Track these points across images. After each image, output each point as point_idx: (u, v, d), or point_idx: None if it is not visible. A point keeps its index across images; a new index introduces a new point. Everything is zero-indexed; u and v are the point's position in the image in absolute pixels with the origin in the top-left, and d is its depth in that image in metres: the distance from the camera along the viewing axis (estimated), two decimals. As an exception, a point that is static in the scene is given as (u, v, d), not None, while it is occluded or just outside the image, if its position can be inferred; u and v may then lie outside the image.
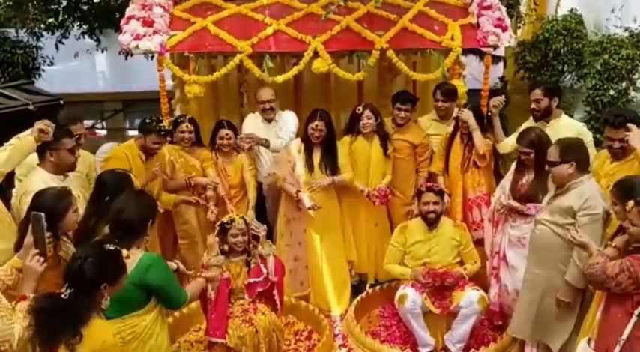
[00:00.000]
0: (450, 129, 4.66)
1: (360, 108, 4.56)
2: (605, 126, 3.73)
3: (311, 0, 5.01)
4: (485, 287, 4.14)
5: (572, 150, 3.33)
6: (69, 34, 7.10)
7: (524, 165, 3.92)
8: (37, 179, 3.38)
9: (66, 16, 6.92)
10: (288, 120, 4.84)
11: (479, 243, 4.26)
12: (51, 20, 6.87)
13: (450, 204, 4.48)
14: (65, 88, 7.74)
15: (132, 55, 4.82)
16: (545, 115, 4.25)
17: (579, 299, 3.34)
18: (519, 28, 6.88)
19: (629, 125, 3.50)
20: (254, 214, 4.52)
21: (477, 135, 4.32)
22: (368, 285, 4.76)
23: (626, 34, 5.55)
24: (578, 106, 5.91)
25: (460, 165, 4.46)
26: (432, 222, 4.11)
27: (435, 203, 4.09)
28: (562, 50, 6.03)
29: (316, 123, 4.28)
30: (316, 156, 4.41)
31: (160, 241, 4.30)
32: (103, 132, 9.31)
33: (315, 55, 4.70)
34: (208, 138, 4.73)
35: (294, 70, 4.77)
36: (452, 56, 4.84)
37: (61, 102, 6.29)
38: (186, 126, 4.48)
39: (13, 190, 3.67)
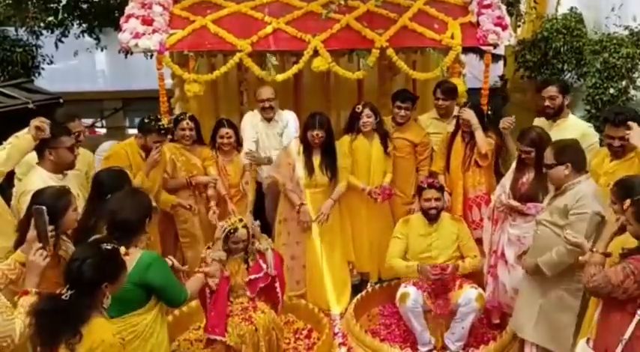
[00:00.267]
0: (450, 127, 4.66)
1: (360, 107, 4.56)
2: (605, 124, 3.73)
3: (310, -2, 5.02)
4: (483, 286, 4.14)
5: (567, 152, 3.33)
6: (68, 32, 7.10)
7: (524, 164, 3.92)
8: (35, 178, 3.37)
9: (65, 15, 6.92)
10: (290, 125, 4.81)
11: (478, 242, 4.25)
12: (50, 19, 6.86)
13: (451, 203, 4.48)
14: (65, 86, 7.74)
15: (131, 53, 4.82)
16: (558, 113, 4.22)
17: (577, 303, 3.33)
18: (519, 26, 6.88)
19: (630, 123, 3.49)
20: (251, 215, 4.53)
21: (479, 134, 4.31)
22: (370, 284, 4.76)
23: (626, 32, 5.55)
24: (578, 105, 5.91)
25: (461, 164, 4.45)
26: (432, 218, 4.12)
27: (437, 199, 4.10)
28: (562, 49, 6.03)
29: (316, 132, 4.26)
30: (316, 159, 4.40)
31: (160, 240, 4.31)
32: (103, 130, 9.30)
33: (315, 53, 4.69)
34: (208, 136, 4.73)
35: (294, 69, 4.77)
36: (452, 55, 4.84)
37: (61, 100, 6.30)
38: (187, 124, 4.47)
39: (14, 190, 3.66)
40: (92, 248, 2.36)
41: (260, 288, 3.74)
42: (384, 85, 5.62)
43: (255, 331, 3.57)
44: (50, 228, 2.62)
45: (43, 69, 7.30)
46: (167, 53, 4.66)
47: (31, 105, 5.79)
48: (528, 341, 3.72)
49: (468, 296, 3.89)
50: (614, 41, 5.45)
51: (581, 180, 3.29)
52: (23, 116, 5.50)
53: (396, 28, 4.86)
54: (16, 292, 2.55)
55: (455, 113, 4.72)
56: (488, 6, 5.01)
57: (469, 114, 4.33)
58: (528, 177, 3.90)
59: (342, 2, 4.59)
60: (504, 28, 4.93)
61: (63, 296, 2.20)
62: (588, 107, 5.53)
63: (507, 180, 4.04)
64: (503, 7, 5.15)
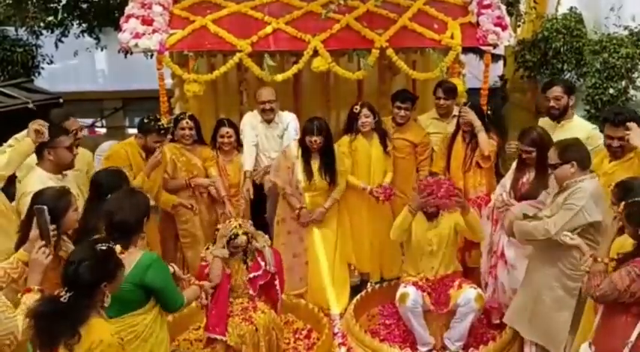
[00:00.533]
0: (450, 127, 4.66)
1: (358, 107, 4.55)
2: (604, 124, 3.73)
3: (310, -2, 5.02)
4: (481, 286, 4.14)
5: (572, 150, 3.32)
6: (68, 32, 7.10)
7: (525, 163, 3.92)
8: (35, 179, 3.38)
9: (65, 15, 6.92)
10: (290, 127, 4.80)
11: (475, 243, 4.25)
12: (50, 18, 6.86)
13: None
14: (65, 86, 7.76)
15: (131, 53, 4.82)
16: (563, 114, 4.20)
17: (574, 302, 3.34)
18: (519, 26, 6.87)
19: (630, 124, 3.49)
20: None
21: (482, 136, 4.30)
22: (371, 284, 4.75)
23: (626, 32, 5.55)
24: (577, 105, 5.90)
25: (462, 164, 4.45)
26: (432, 216, 4.08)
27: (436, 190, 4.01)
28: (562, 49, 6.03)
29: (314, 138, 4.25)
30: (315, 163, 4.38)
31: (161, 240, 4.31)
32: (103, 130, 9.30)
33: (315, 53, 4.69)
34: (208, 136, 4.72)
35: (294, 69, 4.77)
36: (451, 55, 4.85)
37: (61, 100, 6.31)
38: (187, 123, 4.47)
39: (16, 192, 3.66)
40: (87, 249, 2.35)
41: (260, 286, 3.75)
42: (383, 85, 5.62)
43: (256, 331, 3.58)
44: (52, 227, 2.63)
45: (43, 69, 7.31)
46: (167, 53, 4.66)
47: (30, 105, 5.80)
48: (528, 341, 3.73)
49: (467, 296, 3.88)
50: (614, 41, 5.45)
51: (585, 179, 3.28)
52: (23, 116, 5.53)
53: (396, 28, 4.86)
54: (18, 291, 2.56)
55: (455, 113, 4.72)
56: (488, 6, 5.01)
57: (472, 116, 4.33)
58: (529, 177, 3.90)
59: (342, 2, 4.59)
60: (504, 28, 4.94)
61: (61, 299, 2.20)
62: (588, 107, 5.53)
63: (508, 180, 4.05)
64: (503, 7, 5.15)
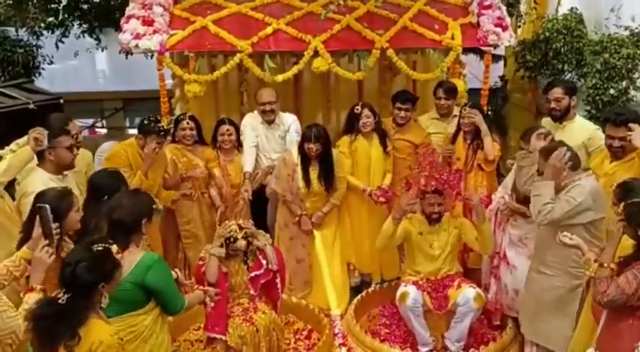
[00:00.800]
0: (451, 127, 4.65)
1: (359, 107, 4.55)
2: (606, 124, 3.72)
3: (311, -1, 5.02)
4: (484, 287, 4.14)
5: None
6: (69, 32, 7.09)
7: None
8: (36, 180, 3.39)
9: (66, 15, 6.91)
10: (291, 129, 4.80)
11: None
12: (51, 19, 6.85)
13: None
14: (65, 86, 7.73)
15: (132, 53, 4.82)
16: (564, 115, 4.20)
17: (577, 302, 3.33)
18: (519, 27, 6.86)
19: (632, 125, 3.49)
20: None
21: (487, 140, 4.30)
22: (373, 284, 4.76)
23: (627, 33, 5.54)
24: (578, 105, 5.89)
25: (463, 165, 4.45)
26: (435, 221, 4.08)
27: (439, 204, 4.03)
28: (562, 49, 6.02)
29: (312, 145, 4.25)
30: (313, 170, 4.38)
31: (162, 240, 4.31)
32: (103, 131, 9.30)
33: (315, 54, 4.70)
34: (209, 137, 4.73)
35: (294, 69, 4.78)
36: (452, 55, 4.85)
37: (61, 101, 6.30)
38: (187, 123, 4.47)
39: (16, 194, 3.66)
40: (84, 250, 2.35)
41: (262, 285, 3.75)
42: (384, 85, 5.62)
43: (256, 332, 3.58)
44: (55, 225, 2.64)
45: (43, 69, 7.30)
46: (167, 54, 4.66)
47: (31, 106, 5.79)
48: (528, 341, 3.73)
49: (466, 295, 3.88)
50: (615, 42, 5.44)
51: (582, 177, 3.29)
52: (24, 116, 5.53)
53: (397, 29, 4.86)
54: (19, 291, 2.57)
55: (455, 113, 4.72)
56: (489, 7, 5.02)
57: (479, 119, 4.32)
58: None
59: (342, 2, 4.58)
60: (505, 28, 4.94)
61: (59, 300, 2.20)
62: (588, 108, 5.52)
63: (510, 180, 4.04)
64: (504, 8, 5.16)
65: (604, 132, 3.85)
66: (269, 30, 4.76)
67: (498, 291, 4.09)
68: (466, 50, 5.16)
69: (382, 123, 4.67)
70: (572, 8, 6.35)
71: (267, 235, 3.91)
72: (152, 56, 4.86)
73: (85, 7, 6.97)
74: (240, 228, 3.71)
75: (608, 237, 2.77)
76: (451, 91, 4.75)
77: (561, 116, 4.21)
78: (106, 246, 2.39)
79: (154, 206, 2.93)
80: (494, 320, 4.25)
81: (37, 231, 2.63)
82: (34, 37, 6.94)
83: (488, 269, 4.18)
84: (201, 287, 3.30)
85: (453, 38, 4.86)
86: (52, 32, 6.98)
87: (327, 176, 4.36)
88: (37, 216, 2.64)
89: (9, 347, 2.40)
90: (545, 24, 6.26)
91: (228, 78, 5.38)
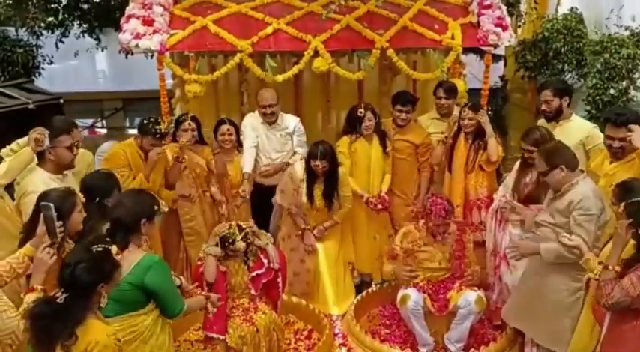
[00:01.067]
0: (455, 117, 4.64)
1: (362, 110, 4.52)
2: (605, 124, 3.73)
3: (311, -1, 5.01)
4: (486, 288, 4.14)
5: (557, 154, 3.34)
6: (69, 32, 7.09)
7: (528, 164, 3.90)
8: (37, 179, 3.38)
9: (66, 15, 6.91)
10: (296, 132, 4.82)
11: (477, 245, 4.23)
12: (51, 19, 6.85)
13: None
14: (65, 86, 7.73)
15: (132, 53, 4.81)
16: (556, 116, 4.21)
17: (579, 306, 3.32)
18: (519, 26, 6.87)
19: (632, 126, 3.48)
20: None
21: (492, 142, 4.30)
22: (374, 284, 4.76)
23: (627, 33, 5.55)
24: (578, 105, 5.90)
25: (464, 164, 4.44)
26: (438, 237, 4.03)
27: (445, 225, 3.99)
28: (562, 49, 6.03)
29: (318, 162, 4.24)
30: (319, 187, 4.36)
31: (163, 240, 4.30)
32: (103, 131, 9.30)
33: (316, 54, 4.69)
34: (209, 137, 4.72)
35: (295, 69, 4.77)
36: (452, 55, 4.85)
37: (61, 101, 6.30)
38: (189, 124, 4.46)
39: (15, 194, 3.66)
40: (83, 251, 2.35)
41: (263, 284, 3.75)
42: (384, 85, 5.62)
43: (256, 332, 3.58)
44: (59, 223, 2.64)
45: (43, 69, 7.30)
46: (167, 54, 4.66)
47: (31, 106, 5.79)
48: (529, 341, 3.73)
49: (467, 298, 3.88)
50: (615, 42, 5.45)
51: (579, 180, 3.29)
52: (24, 116, 5.53)
53: (397, 29, 4.86)
54: (19, 291, 2.57)
55: (455, 113, 4.71)
56: (489, 6, 5.01)
57: (485, 120, 4.32)
58: (531, 177, 3.89)
59: (343, 2, 4.58)
60: (505, 28, 4.94)
61: (58, 300, 2.19)
62: (589, 108, 5.53)
63: (510, 180, 4.04)
64: (504, 8, 5.15)
65: (601, 130, 3.85)
66: (269, 30, 4.76)
67: (502, 291, 4.08)
68: (466, 50, 5.15)
69: (382, 124, 4.66)
70: (572, 8, 6.36)
71: (269, 234, 3.91)
72: (152, 56, 4.86)
73: (85, 7, 6.97)
74: (241, 229, 3.70)
75: (614, 239, 2.74)
76: (451, 91, 4.74)
77: (553, 117, 4.23)
78: (106, 246, 2.39)
79: (156, 207, 2.91)
80: (495, 321, 4.24)
81: (42, 228, 2.63)
82: (34, 37, 6.93)
83: (491, 269, 4.17)
84: (203, 292, 3.28)
85: (453, 38, 4.86)
86: (52, 32, 6.98)
87: (330, 194, 4.35)
88: (42, 215, 2.64)
89: (9, 348, 2.41)
90: (545, 24, 6.27)
91: (229, 78, 5.37)
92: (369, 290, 4.60)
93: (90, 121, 9.11)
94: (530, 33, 6.68)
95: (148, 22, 4.62)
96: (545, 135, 3.83)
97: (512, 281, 3.94)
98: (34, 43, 7.09)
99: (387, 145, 4.64)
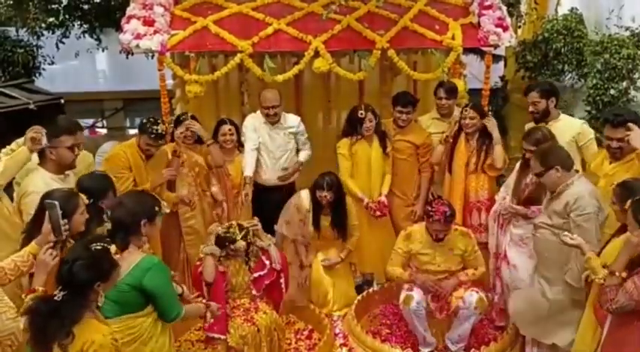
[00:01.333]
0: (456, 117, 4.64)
1: (362, 112, 4.52)
2: (605, 125, 3.73)
3: (311, -1, 5.02)
4: (488, 288, 4.14)
5: (551, 155, 3.35)
6: (69, 33, 7.10)
7: (528, 164, 3.90)
8: (38, 179, 3.37)
9: (66, 16, 6.92)
10: (298, 132, 4.83)
11: (478, 246, 4.24)
12: (51, 19, 6.85)
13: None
14: (66, 87, 7.74)
15: (132, 54, 4.82)
16: (544, 117, 4.23)
17: (580, 311, 3.32)
18: (520, 27, 6.87)
19: (630, 125, 3.48)
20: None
21: (498, 149, 4.32)
22: (375, 284, 4.77)
23: (627, 33, 5.55)
24: (578, 106, 5.91)
25: (465, 165, 4.44)
26: (438, 240, 4.00)
27: (446, 230, 3.94)
28: (563, 49, 6.03)
29: (325, 193, 4.24)
30: (325, 218, 4.37)
31: (163, 241, 4.29)
32: (104, 131, 9.30)
33: (316, 54, 4.69)
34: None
35: (295, 70, 4.77)
36: (453, 55, 4.85)
37: (62, 101, 6.31)
38: (189, 124, 4.46)
39: (14, 194, 3.65)
40: (82, 249, 2.34)
41: (266, 285, 3.76)
42: (385, 85, 5.62)
43: (257, 332, 3.59)
44: (64, 221, 2.64)
45: (44, 69, 7.31)
46: (168, 54, 4.66)
47: (31, 106, 5.80)
48: (529, 341, 3.73)
49: (468, 299, 3.88)
50: (615, 42, 5.45)
51: (574, 180, 3.30)
52: (24, 116, 5.53)
53: (397, 29, 4.86)
54: (20, 293, 2.56)
55: (456, 113, 4.72)
56: (489, 7, 5.01)
57: (492, 125, 4.33)
58: (532, 177, 3.88)
59: (343, 3, 4.58)
60: (505, 29, 4.94)
61: (55, 298, 2.19)
62: (589, 108, 5.53)
63: (511, 180, 4.04)
64: (504, 8, 5.15)
65: (602, 131, 3.85)
66: (270, 30, 4.75)
67: (503, 291, 4.08)
68: (466, 50, 5.15)
69: (382, 125, 4.67)
70: (572, 8, 6.36)
71: (269, 236, 3.91)
72: (153, 56, 4.86)
73: (86, 7, 6.98)
74: (242, 228, 3.70)
75: (624, 247, 2.72)
76: (452, 91, 4.74)
77: (541, 118, 4.23)
78: (105, 245, 2.38)
79: (157, 208, 2.89)
80: (497, 322, 4.24)
81: (47, 226, 2.63)
82: (35, 37, 6.93)
83: (493, 270, 4.17)
84: (203, 301, 3.26)
85: (453, 38, 4.86)
86: (53, 32, 6.98)
87: (340, 223, 4.36)
88: (47, 213, 2.63)
89: (9, 348, 2.40)
90: (546, 24, 6.27)
91: (229, 78, 5.38)
92: (370, 290, 4.60)
93: (90, 121, 9.11)
94: (531, 33, 6.68)
95: (148, 22, 4.61)
96: (547, 135, 3.84)
97: (513, 280, 3.93)
98: (34, 44, 7.10)
99: (387, 146, 4.64)
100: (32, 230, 2.76)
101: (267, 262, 3.74)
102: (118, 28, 4.97)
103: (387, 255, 4.53)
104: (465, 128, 4.42)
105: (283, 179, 4.82)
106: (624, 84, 5.39)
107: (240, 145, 4.76)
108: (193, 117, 4.53)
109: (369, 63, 4.80)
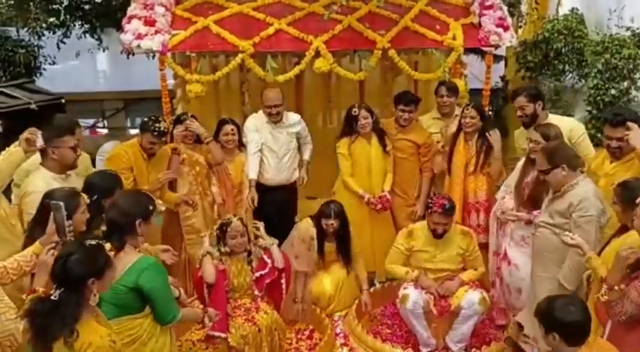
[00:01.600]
0: (452, 127, 4.65)
1: (356, 109, 4.54)
2: (605, 125, 3.73)
3: (312, -1, 5.02)
4: (488, 288, 4.14)
5: (559, 153, 3.34)
6: (70, 33, 7.11)
7: (532, 161, 3.89)
8: (39, 179, 3.37)
9: (67, 16, 6.93)
10: (300, 130, 4.83)
11: (479, 246, 4.24)
12: (52, 19, 6.87)
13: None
14: (66, 87, 7.74)
15: (133, 54, 4.81)
16: (533, 121, 4.19)
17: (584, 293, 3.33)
18: (520, 27, 6.88)
19: (630, 124, 3.48)
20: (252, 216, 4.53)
21: (497, 165, 4.33)
22: (377, 283, 4.77)
23: (628, 33, 5.55)
24: (579, 106, 5.91)
25: (464, 166, 4.44)
26: (439, 237, 4.01)
27: (445, 224, 3.96)
28: (563, 50, 6.04)
29: (331, 221, 4.25)
30: (330, 246, 4.38)
31: (162, 241, 4.29)
32: (104, 131, 9.31)
33: (317, 54, 4.70)
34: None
35: (296, 70, 4.78)
36: (453, 56, 4.85)
37: (62, 101, 6.32)
38: (188, 123, 4.46)
39: (12, 196, 3.65)
40: (76, 245, 2.33)
41: (267, 284, 3.76)
42: (385, 85, 5.63)
43: (258, 332, 3.59)
44: (68, 222, 2.64)
45: (44, 69, 7.32)
46: (169, 54, 4.66)
47: (32, 106, 5.81)
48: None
49: (470, 299, 3.88)
50: (616, 42, 5.46)
51: (579, 181, 3.29)
52: (25, 116, 5.54)
53: (398, 29, 4.86)
54: (20, 295, 2.56)
55: (456, 112, 4.72)
56: (490, 7, 5.01)
57: (495, 139, 4.33)
58: (532, 176, 3.88)
59: (344, 3, 4.59)
60: (506, 29, 4.94)
61: (52, 297, 2.18)
62: (589, 108, 5.54)
63: (512, 179, 4.04)
64: (505, 8, 5.15)
65: (602, 131, 3.85)
66: (271, 30, 4.76)
67: (503, 292, 4.08)
68: (467, 50, 5.15)
69: (380, 123, 4.67)
70: (572, 9, 6.37)
71: (273, 237, 3.91)
72: (154, 56, 4.86)
73: (87, 7, 6.99)
74: (234, 215, 3.72)
75: (615, 261, 2.71)
76: (453, 89, 4.75)
77: (530, 122, 4.20)
78: (99, 241, 2.38)
79: (152, 207, 2.86)
80: (498, 322, 4.24)
81: (52, 227, 2.62)
82: (36, 37, 6.95)
83: (493, 269, 4.17)
84: (201, 306, 3.23)
85: (454, 38, 4.87)
86: (54, 32, 7.00)
87: (345, 251, 4.39)
88: (52, 214, 2.63)
89: (8, 349, 2.40)
90: (546, 24, 6.28)
91: (230, 78, 5.38)
92: (371, 289, 4.60)
93: (91, 121, 9.11)
94: (531, 33, 6.69)
95: (149, 22, 4.62)
96: (557, 134, 3.79)
97: (514, 280, 3.94)
98: (35, 44, 7.12)
99: (386, 144, 4.64)
100: (34, 230, 2.75)
101: (269, 261, 3.74)
102: (119, 28, 4.97)
103: (386, 252, 4.54)
104: (465, 127, 4.41)
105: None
106: (625, 84, 5.39)
107: (241, 145, 4.76)
108: (193, 117, 4.54)
109: (370, 63, 4.80)
